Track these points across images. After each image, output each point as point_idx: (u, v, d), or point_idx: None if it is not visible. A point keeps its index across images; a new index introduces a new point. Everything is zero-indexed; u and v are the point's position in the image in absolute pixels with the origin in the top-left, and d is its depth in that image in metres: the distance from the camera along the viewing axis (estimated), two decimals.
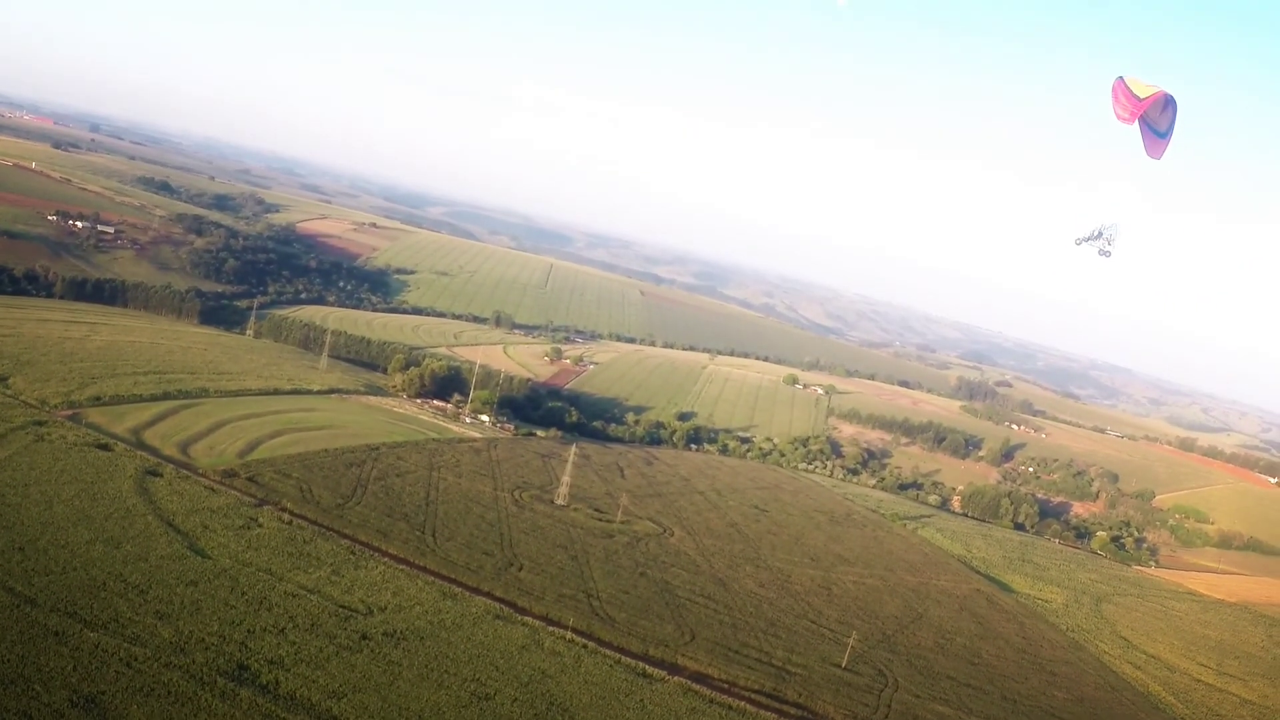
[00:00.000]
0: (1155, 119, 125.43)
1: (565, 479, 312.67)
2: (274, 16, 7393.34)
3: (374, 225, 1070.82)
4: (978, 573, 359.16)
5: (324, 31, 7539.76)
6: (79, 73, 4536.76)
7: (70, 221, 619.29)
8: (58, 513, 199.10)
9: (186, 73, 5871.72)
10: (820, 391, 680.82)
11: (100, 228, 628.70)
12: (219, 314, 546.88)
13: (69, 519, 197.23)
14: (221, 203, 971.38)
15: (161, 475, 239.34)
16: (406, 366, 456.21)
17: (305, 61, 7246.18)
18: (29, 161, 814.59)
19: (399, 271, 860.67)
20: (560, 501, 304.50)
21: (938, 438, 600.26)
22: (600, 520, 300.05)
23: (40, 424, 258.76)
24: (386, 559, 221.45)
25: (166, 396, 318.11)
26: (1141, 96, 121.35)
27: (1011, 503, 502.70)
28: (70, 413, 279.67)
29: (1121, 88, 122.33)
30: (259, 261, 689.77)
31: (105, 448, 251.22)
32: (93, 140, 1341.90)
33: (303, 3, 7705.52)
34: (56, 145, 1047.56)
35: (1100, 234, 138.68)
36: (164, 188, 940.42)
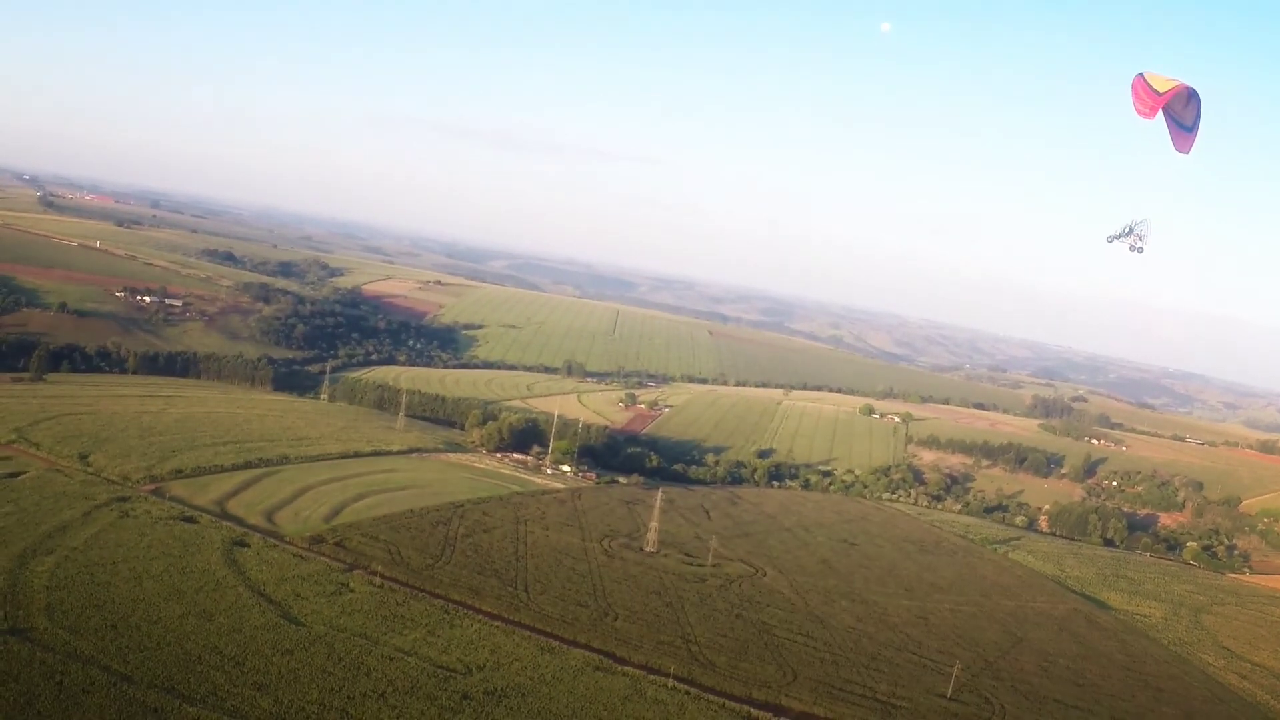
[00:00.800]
0: (1180, 113, 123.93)
1: (653, 525, 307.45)
2: (322, 82, 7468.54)
3: (439, 283, 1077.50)
4: (1073, 592, 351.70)
5: (373, 96, 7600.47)
6: (137, 150, 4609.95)
7: (138, 297, 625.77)
8: (148, 588, 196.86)
9: (241, 144, 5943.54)
10: (897, 419, 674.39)
11: (168, 301, 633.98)
12: (291, 380, 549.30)
13: (160, 594, 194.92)
14: (286, 270, 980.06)
15: (249, 545, 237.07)
16: (484, 421, 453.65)
17: (356, 125, 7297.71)
18: (94, 240, 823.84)
19: (467, 327, 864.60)
20: (650, 548, 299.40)
21: (1019, 458, 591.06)
22: (691, 564, 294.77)
23: (124, 500, 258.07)
24: (481, 616, 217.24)
25: (247, 465, 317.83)
26: (1160, 91, 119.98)
27: (1099, 519, 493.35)
28: (153, 487, 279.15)
29: (1141, 84, 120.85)
30: (328, 326, 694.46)
31: (190, 520, 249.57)
32: (154, 216, 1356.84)
33: (348, 69, 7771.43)
34: (119, 223, 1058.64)
35: (1131, 230, 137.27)
36: (228, 258, 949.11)
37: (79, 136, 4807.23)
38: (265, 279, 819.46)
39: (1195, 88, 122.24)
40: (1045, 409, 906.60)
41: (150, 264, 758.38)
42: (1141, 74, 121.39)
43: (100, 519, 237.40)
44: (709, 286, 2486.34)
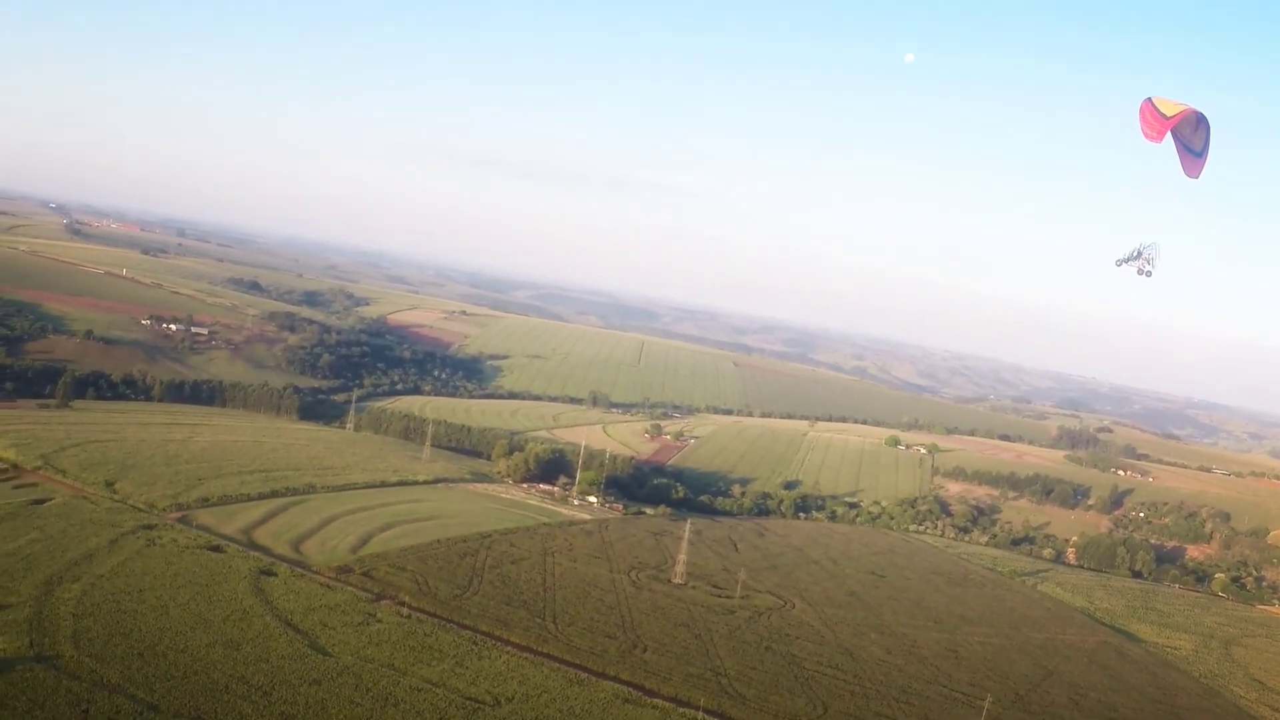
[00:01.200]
0: (1189, 138, 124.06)
1: (681, 557, 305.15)
2: (347, 112, 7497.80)
3: (464, 313, 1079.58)
4: (1103, 624, 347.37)
5: (398, 125, 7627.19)
6: (162, 178, 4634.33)
7: (164, 325, 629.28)
8: (175, 617, 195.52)
9: (267, 173, 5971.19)
10: (923, 451, 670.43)
11: (194, 329, 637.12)
12: (317, 409, 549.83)
13: (187, 623, 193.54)
14: (312, 299, 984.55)
15: (276, 574, 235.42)
16: (510, 452, 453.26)
17: (382, 154, 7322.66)
18: (120, 268, 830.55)
19: (492, 357, 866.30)
20: (678, 580, 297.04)
21: (1045, 489, 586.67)
22: (720, 596, 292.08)
23: (150, 528, 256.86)
24: (509, 648, 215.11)
25: (274, 494, 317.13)
26: (1168, 115, 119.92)
27: (1127, 551, 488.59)
28: (179, 515, 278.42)
29: (1148, 108, 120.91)
30: (353, 355, 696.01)
31: (217, 549, 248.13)
32: (180, 244, 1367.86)
33: (373, 99, 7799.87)
34: (145, 251, 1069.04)
35: (1139, 254, 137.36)
36: (254, 287, 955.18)
37: (105, 165, 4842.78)
38: (291, 308, 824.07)
39: (1204, 113, 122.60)
40: (1071, 440, 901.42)
41: (176, 292, 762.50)
42: (1150, 99, 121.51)
43: (126, 547, 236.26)
44: (732, 317, 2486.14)
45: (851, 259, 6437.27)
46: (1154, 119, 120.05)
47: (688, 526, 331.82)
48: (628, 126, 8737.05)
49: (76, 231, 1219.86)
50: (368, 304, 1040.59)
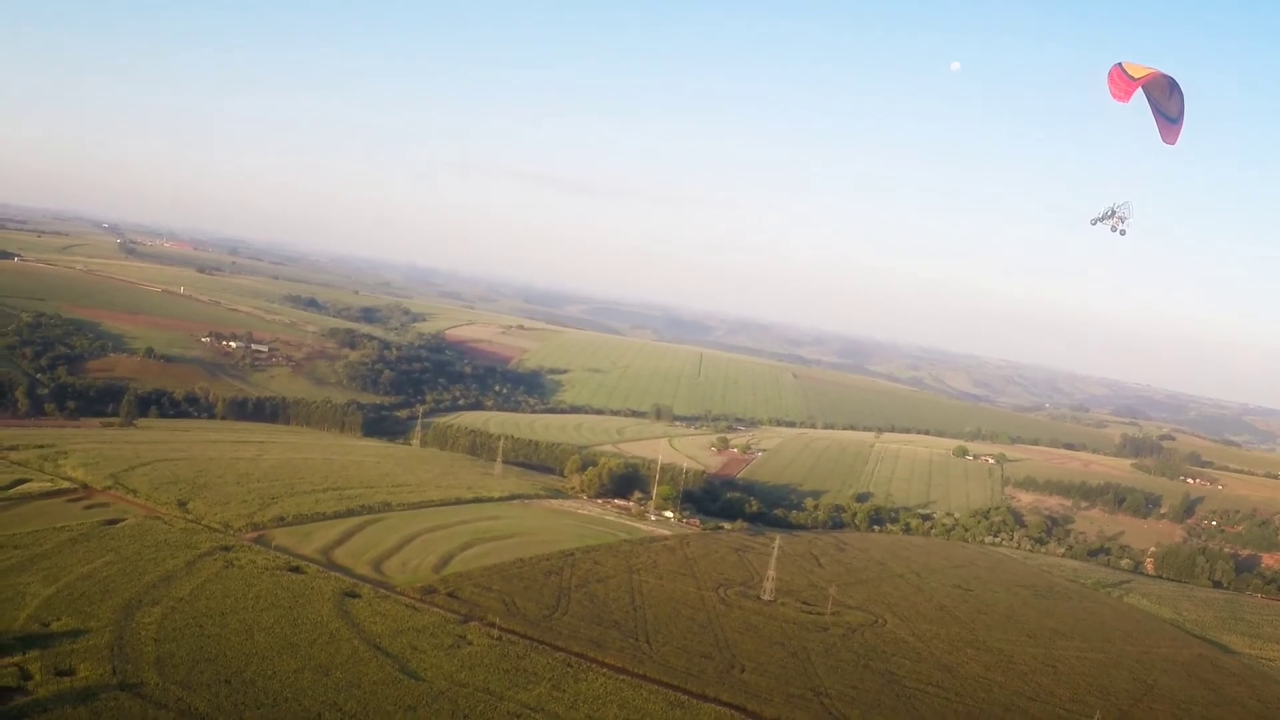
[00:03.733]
0: (1164, 105, 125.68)
1: (770, 573, 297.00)
2: (392, 133, 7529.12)
3: (521, 327, 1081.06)
4: (1194, 636, 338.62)
5: (445, 143, 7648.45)
6: (214, 197, 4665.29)
7: (224, 342, 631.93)
8: (260, 641, 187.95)
9: (315, 192, 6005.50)
10: (991, 461, 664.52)
11: (254, 347, 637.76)
12: (380, 425, 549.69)
13: (273, 647, 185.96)
14: (369, 315, 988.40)
15: (360, 596, 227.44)
16: (583, 467, 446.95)
17: (429, 172, 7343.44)
18: (177, 286, 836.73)
19: (552, 371, 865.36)
20: (767, 596, 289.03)
21: (1118, 499, 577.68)
22: (811, 613, 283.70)
23: (227, 549, 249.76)
24: (604, 669, 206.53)
25: (350, 513, 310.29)
26: (1135, 77, 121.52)
27: (1207, 560, 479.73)
28: (255, 535, 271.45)
29: (1117, 71, 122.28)
30: (414, 371, 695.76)
31: (297, 570, 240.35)
32: (234, 262, 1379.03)
33: (418, 119, 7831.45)
34: (200, 269, 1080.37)
35: (1113, 213, 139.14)
36: (311, 304, 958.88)
37: (155, 184, 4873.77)
38: (350, 324, 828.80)
39: (1174, 78, 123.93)
40: (1134, 448, 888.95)
41: (234, 310, 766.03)
42: (1119, 63, 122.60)
43: (204, 568, 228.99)
44: (785, 329, 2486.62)
45: (905, 269, 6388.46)
46: (1121, 80, 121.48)
47: (777, 542, 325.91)
48: (675, 142, 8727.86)
49: (131, 250, 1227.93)
50: (424, 320, 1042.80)
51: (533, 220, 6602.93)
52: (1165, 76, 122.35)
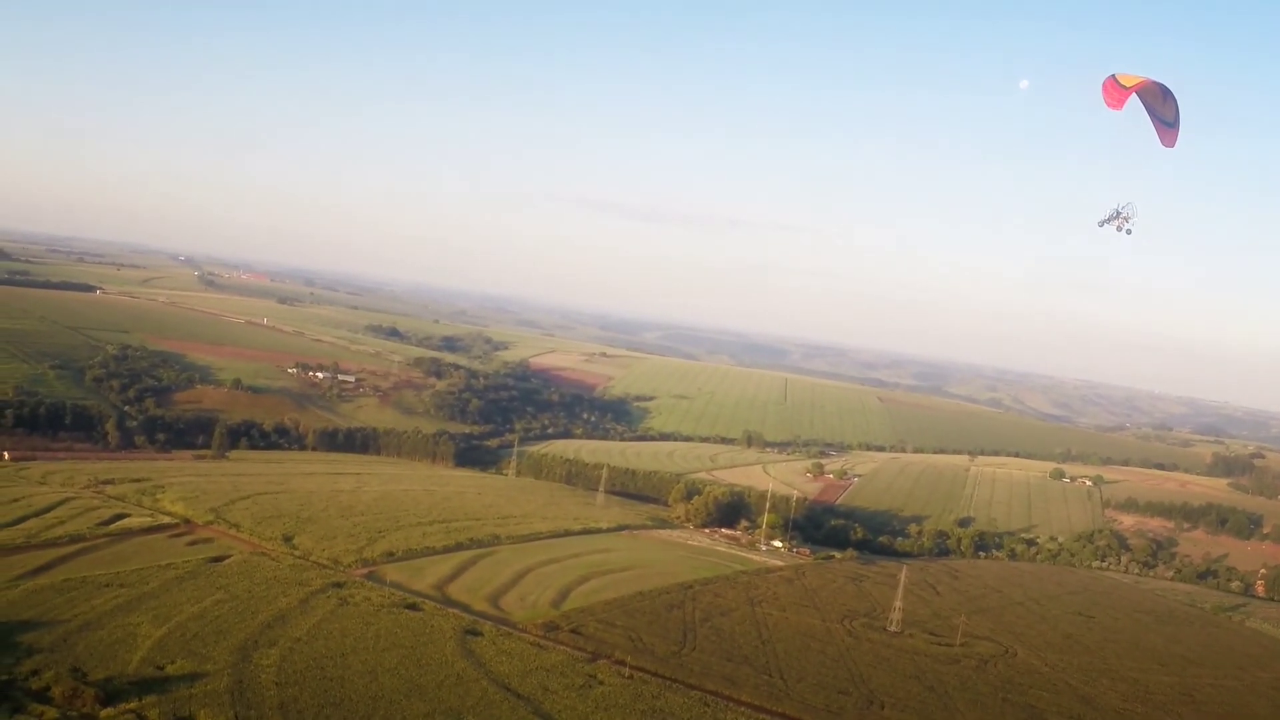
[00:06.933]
0: (1160, 110, 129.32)
1: (897, 604, 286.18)
2: (463, 163, 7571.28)
3: (603, 354, 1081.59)
4: None
5: (515, 175, 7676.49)
6: (287, 229, 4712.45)
7: (310, 373, 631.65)
8: (385, 684, 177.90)
9: (389, 224, 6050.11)
10: (1089, 483, 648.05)
11: (341, 377, 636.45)
12: (471, 455, 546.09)
13: (399, 690, 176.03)
14: (450, 344, 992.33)
15: (482, 634, 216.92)
16: (688, 496, 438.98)
17: (500, 200, 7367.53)
18: (260, 318, 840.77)
19: (638, 398, 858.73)
20: (893, 628, 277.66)
21: (1220, 520, 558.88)
22: (940, 644, 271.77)
23: (339, 585, 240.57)
24: (742, 708, 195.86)
25: (459, 547, 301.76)
26: (1126, 85, 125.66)
27: None
28: (366, 571, 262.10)
29: (1110, 82, 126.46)
30: (501, 399, 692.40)
31: (414, 607, 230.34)
32: (312, 293, 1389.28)
33: (486, 152, 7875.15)
34: (281, 300, 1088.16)
35: (1119, 214, 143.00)
36: (393, 333, 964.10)
37: (234, 219, 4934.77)
38: (433, 353, 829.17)
39: (1167, 84, 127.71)
40: (1226, 467, 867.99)
41: (319, 340, 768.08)
42: (1113, 75, 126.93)
43: (319, 607, 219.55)
44: (859, 352, 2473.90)
45: (977, 291, 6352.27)
46: (1114, 89, 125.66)
47: (904, 573, 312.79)
48: (744, 169, 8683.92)
49: (210, 282, 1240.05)
50: (506, 348, 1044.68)
51: (602, 248, 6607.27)
52: (1157, 84, 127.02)
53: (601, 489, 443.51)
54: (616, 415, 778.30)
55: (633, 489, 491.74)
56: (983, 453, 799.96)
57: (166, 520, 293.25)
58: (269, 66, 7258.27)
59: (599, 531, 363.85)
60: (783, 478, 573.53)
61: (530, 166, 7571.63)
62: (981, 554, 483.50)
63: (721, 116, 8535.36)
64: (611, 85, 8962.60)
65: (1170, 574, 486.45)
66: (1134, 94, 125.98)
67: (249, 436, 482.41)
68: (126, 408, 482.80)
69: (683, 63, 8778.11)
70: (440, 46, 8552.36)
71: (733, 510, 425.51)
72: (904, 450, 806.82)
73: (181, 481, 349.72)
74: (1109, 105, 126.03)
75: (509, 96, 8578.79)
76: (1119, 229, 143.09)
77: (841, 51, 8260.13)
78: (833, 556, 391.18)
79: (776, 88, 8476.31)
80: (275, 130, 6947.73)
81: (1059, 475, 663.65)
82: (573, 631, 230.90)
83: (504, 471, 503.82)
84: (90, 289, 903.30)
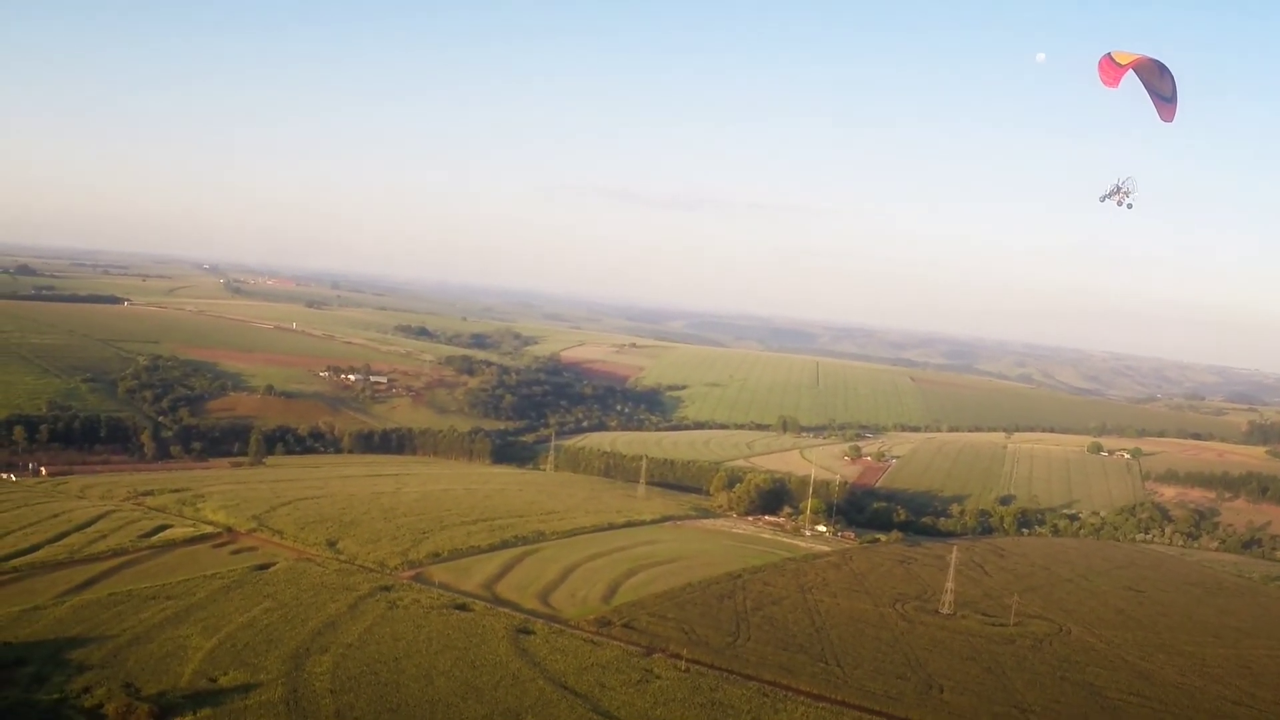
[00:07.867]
0: (1157, 85, 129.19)
1: (949, 585, 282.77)
2: (485, 157, 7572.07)
3: (633, 345, 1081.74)
4: None
5: (534, 167, 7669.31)
6: (311, 234, 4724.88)
7: (342, 375, 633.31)
8: (441, 687, 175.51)
9: (410, 221, 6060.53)
10: (1127, 456, 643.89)
11: (373, 378, 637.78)
12: (507, 451, 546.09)
13: (455, 692, 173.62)
14: (480, 341, 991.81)
15: (534, 632, 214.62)
16: (730, 484, 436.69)
17: (522, 195, 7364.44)
18: (288, 322, 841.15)
19: (670, 388, 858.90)
20: (946, 610, 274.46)
21: (1261, 488, 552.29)
22: (993, 625, 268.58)
23: (387, 589, 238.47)
24: (802, 697, 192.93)
25: (505, 545, 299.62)
26: (1121, 63, 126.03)
27: None
28: (412, 573, 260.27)
29: (1105, 61, 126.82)
30: (534, 394, 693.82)
31: (463, 608, 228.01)
32: (338, 296, 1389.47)
33: (508, 143, 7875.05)
34: (308, 304, 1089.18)
35: (1119, 188, 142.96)
36: (422, 333, 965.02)
37: (256, 225, 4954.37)
38: (464, 351, 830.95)
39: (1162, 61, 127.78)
40: (1263, 435, 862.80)
41: (349, 343, 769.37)
42: (1108, 53, 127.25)
43: (368, 611, 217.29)
44: (887, 333, 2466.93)
45: (1002, 265, 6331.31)
46: (1110, 67, 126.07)
47: (954, 554, 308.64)
48: (767, 154, 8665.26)
49: (236, 290, 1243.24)
50: (536, 343, 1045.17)
51: (625, 240, 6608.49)
52: (1152, 60, 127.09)
53: (642, 480, 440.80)
54: (650, 405, 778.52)
55: (672, 479, 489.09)
56: (1018, 429, 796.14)
57: (209, 530, 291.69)
58: (276, 65, 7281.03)
59: (643, 524, 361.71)
60: (821, 462, 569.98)
61: (539, 158, 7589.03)
62: (1024, 531, 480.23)
63: (745, 101, 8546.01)
64: (630, 77, 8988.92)
65: (1215, 544, 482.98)
66: (1130, 70, 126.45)
67: (284, 442, 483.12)
68: (161, 418, 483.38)
69: (705, 49, 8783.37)
70: (455, 44, 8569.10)
71: (775, 497, 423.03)
72: (939, 430, 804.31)
73: (221, 490, 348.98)
74: (1105, 84, 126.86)
75: (526, 91, 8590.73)
76: (1119, 204, 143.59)
77: (865, 32, 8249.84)
78: (878, 539, 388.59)
79: (801, 70, 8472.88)
80: (292, 133, 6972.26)
81: (1096, 449, 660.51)
82: (625, 626, 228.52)
83: (542, 466, 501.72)
84: (118, 301, 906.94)
